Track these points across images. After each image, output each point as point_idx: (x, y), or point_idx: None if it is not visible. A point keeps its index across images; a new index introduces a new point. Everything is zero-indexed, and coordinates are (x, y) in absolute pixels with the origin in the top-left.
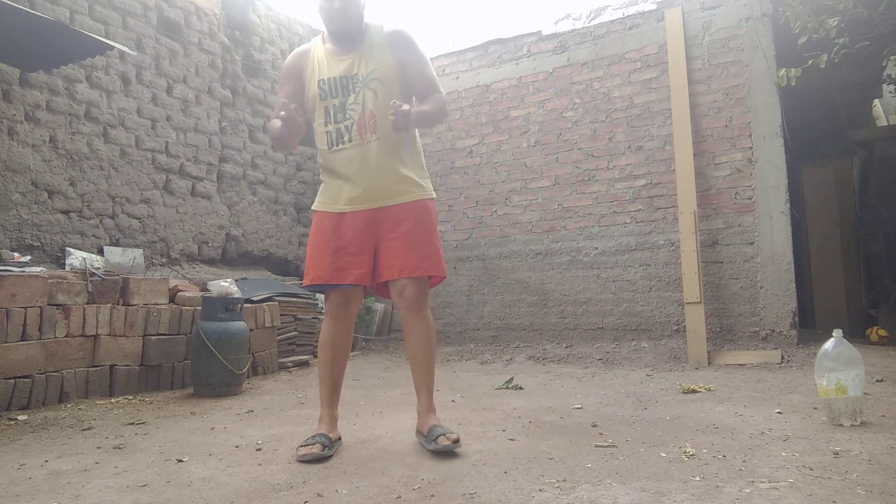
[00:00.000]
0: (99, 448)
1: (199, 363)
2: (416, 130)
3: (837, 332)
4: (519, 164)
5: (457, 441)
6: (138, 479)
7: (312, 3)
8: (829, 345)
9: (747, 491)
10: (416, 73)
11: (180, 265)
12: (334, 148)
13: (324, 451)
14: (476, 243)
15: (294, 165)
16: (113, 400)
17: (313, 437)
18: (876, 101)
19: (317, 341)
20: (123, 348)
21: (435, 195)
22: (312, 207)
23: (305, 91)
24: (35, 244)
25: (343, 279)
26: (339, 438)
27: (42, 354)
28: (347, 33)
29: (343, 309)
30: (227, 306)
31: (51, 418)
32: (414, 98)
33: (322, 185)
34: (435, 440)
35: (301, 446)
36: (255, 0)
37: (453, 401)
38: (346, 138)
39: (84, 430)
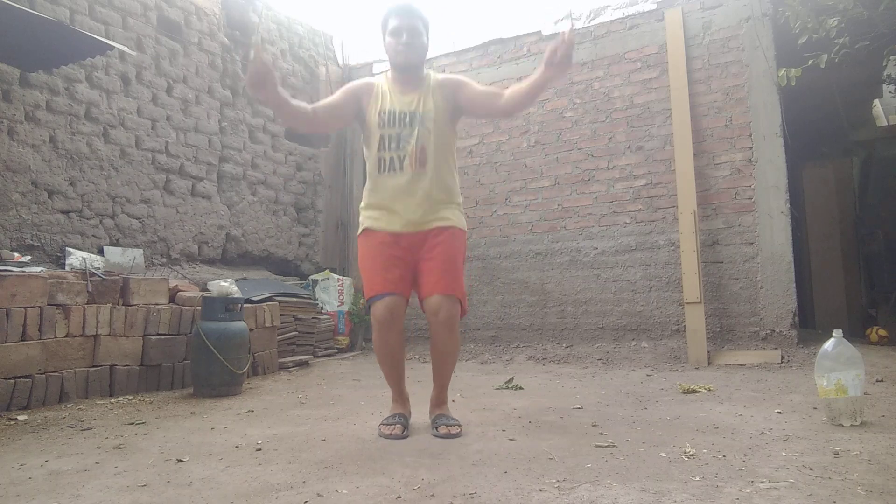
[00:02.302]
0: (99, 448)
1: (199, 363)
2: (455, 166)
3: (837, 332)
4: (519, 164)
5: (457, 433)
6: (138, 479)
7: (381, 42)
8: (829, 345)
9: (747, 491)
10: (473, 92)
11: (180, 265)
12: (385, 172)
13: (404, 433)
14: (476, 243)
15: (294, 165)
16: (113, 400)
17: (393, 416)
18: (876, 101)
19: (317, 341)
20: (123, 348)
21: (466, 229)
22: (361, 227)
23: (364, 116)
24: (35, 244)
25: (387, 290)
26: (410, 414)
27: (42, 354)
28: (411, 67)
29: (388, 317)
30: (227, 306)
31: (51, 418)
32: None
33: (366, 205)
34: (436, 428)
35: (383, 424)
36: (255, 0)
37: (453, 400)
38: (397, 166)
39: (84, 430)
